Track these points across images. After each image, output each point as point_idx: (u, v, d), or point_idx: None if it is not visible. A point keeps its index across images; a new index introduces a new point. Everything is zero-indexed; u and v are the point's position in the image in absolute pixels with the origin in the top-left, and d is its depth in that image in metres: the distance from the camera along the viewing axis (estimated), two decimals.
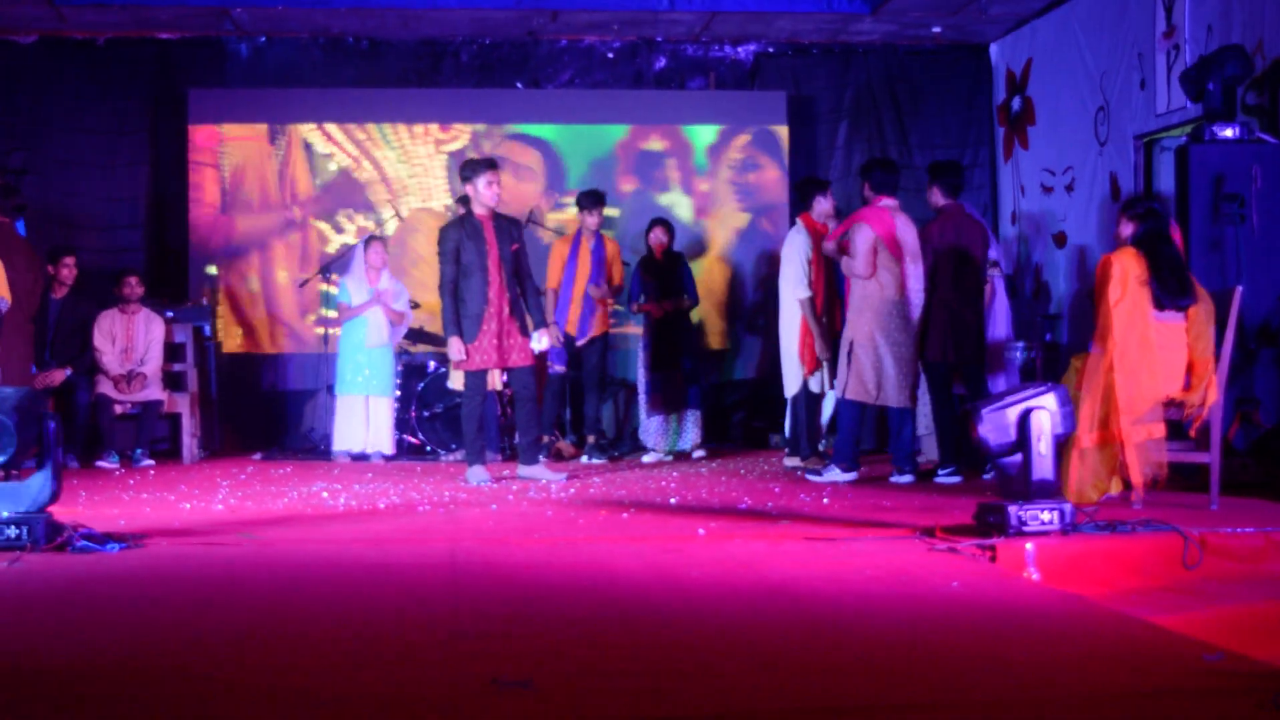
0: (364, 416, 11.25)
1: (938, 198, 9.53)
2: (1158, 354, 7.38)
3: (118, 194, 12.68)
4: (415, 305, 11.81)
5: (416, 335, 11.90)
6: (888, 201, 9.22)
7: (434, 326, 11.93)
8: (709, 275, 13.05)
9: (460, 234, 9.23)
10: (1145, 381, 7.31)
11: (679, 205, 13.19)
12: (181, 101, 12.74)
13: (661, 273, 11.19)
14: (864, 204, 9.37)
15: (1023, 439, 6.25)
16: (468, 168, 9.37)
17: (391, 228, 12.65)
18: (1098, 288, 7.53)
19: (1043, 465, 6.23)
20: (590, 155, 13.15)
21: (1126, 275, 7.41)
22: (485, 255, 9.15)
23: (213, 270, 12.68)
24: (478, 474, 9.19)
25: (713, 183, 13.26)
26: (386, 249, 11.55)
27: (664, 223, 11.36)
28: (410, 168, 12.97)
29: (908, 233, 9.18)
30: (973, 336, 9.39)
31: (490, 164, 9.36)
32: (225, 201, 12.77)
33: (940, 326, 9.29)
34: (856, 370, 9.08)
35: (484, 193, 9.23)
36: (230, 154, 12.80)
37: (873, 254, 9.04)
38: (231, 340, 12.70)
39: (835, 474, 9.04)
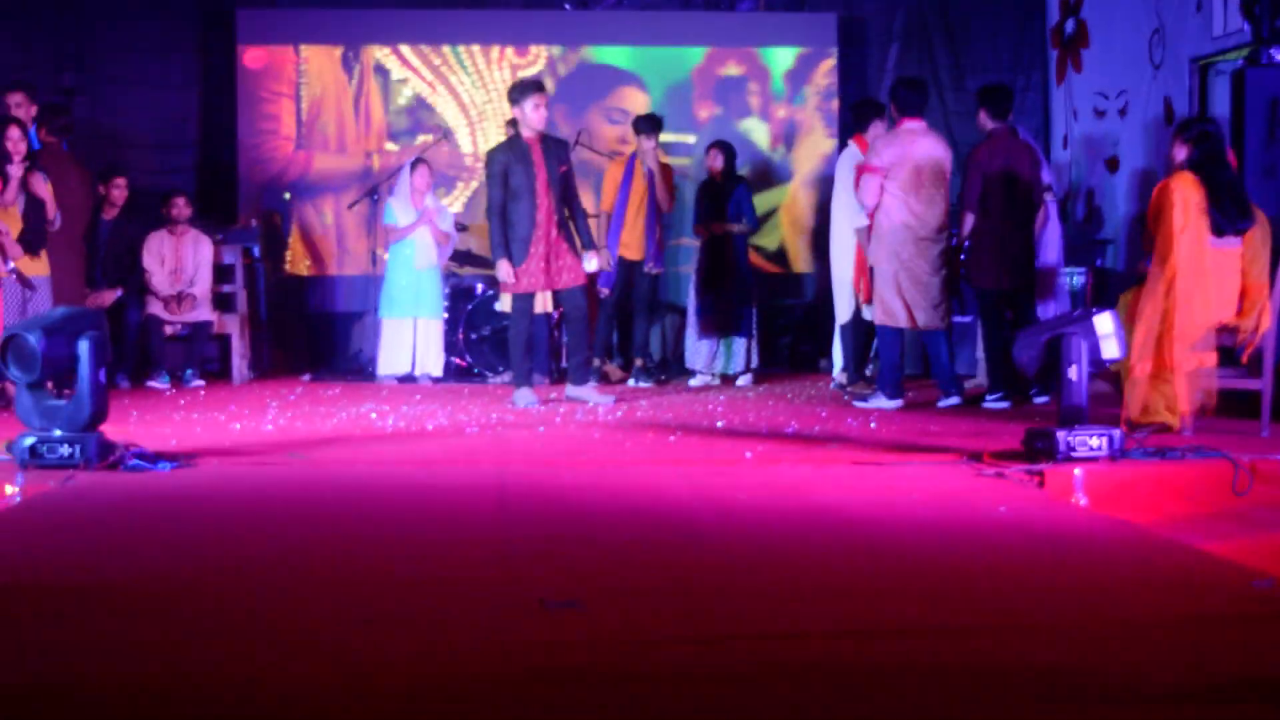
0: (410, 339, 11.28)
1: (985, 121, 9.42)
2: (1212, 281, 7.31)
3: (168, 114, 12.71)
4: (462, 228, 11.83)
5: (464, 258, 11.90)
6: (912, 124, 9.09)
7: (482, 249, 11.93)
8: (793, 202, 13.02)
9: (508, 157, 9.20)
10: (1199, 309, 7.26)
11: (755, 131, 13.15)
12: (230, 20, 12.73)
13: (715, 196, 11.15)
14: (891, 125, 9.32)
15: (1054, 364, 6.23)
16: (515, 90, 9.32)
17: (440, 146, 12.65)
18: (1155, 213, 7.44)
19: (1074, 391, 6.20)
20: (667, 80, 13.11)
21: (1187, 202, 7.31)
22: (533, 178, 9.12)
23: (286, 197, 12.74)
24: (524, 396, 9.21)
25: (791, 109, 13.18)
26: (432, 172, 11.51)
27: (720, 145, 11.29)
28: (486, 93, 12.94)
29: (932, 153, 9.03)
30: (1022, 261, 9.32)
31: (538, 86, 9.29)
32: (300, 133, 12.82)
33: (990, 251, 9.23)
34: (879, 296, 9.06)
35: (531, 115, 9.18)
36: (306, 82, 12.82)
37: (878, 187, 8.99)
38: (296, 264, 12.76)
39: (881, 401, 9.01)
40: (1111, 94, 11.72)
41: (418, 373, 11.24)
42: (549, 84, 9.76)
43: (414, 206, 11.25)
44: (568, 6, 13.16)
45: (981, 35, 13.23)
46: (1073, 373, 6.21)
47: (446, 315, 11.45)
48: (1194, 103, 10.36)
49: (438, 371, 11.27)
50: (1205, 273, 7.31)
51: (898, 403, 8.99)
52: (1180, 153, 7.56)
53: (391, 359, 11.27)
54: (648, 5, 13.21)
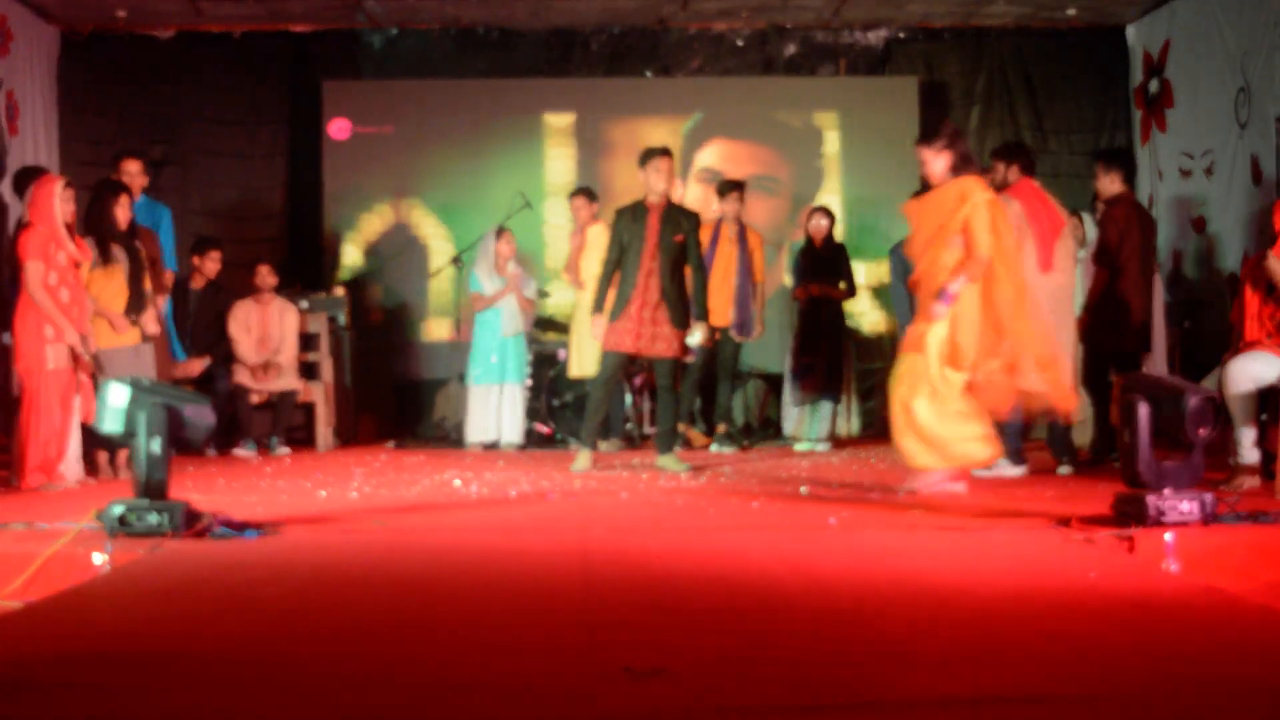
0: (495, 405, 11.31)
1: (1117, 184, 9.28)
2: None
3: (256, 184, 12.93)
4: (544, 294, 11.89)
5: (547, 324, 11.96)
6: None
7: (564, 316, 11.98)
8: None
9: (626, 217, 9.25)
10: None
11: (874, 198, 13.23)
12: (316, 93, 12.92)
13: (818, 260, 11.18)
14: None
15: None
16: (643, 155, 9.37)
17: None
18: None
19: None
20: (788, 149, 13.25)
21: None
22: (643, 241, 9.14)
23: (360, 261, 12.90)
24: (581, 462, 9.22)
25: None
26: (513, 239, 11.57)
27: (824, 210, 11.37)
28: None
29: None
30: (1139, 326, 9.19)
31: (662, 152, 9.33)
32: (385, 201, 13.03)
33: (1115, 313, 9.09)
34: None
35: (651, 179, 9.22)
36: (392, 152, 13.03)
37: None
38: (381, 332, 12.90)
39: (1004, 469, 8.86)
40: (1197, 154, 11.62)
41: (501, 440, 11.26)
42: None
43: (499, 274, 11.30)
44: (648, 74, 13.24)
45: (1064, 96, 13.19)
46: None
47: (530, 382, 11.49)
48: None
49: (518, 437, 11.29)
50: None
51: (1020, 470, 8.84)
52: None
53: (479, 426, 11.31)
54: (727, 71, 13.27)
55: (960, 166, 7.61)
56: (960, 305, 7.43)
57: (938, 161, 7.64)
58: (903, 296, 10.73)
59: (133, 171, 10.27)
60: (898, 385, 7.54)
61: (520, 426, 11.36)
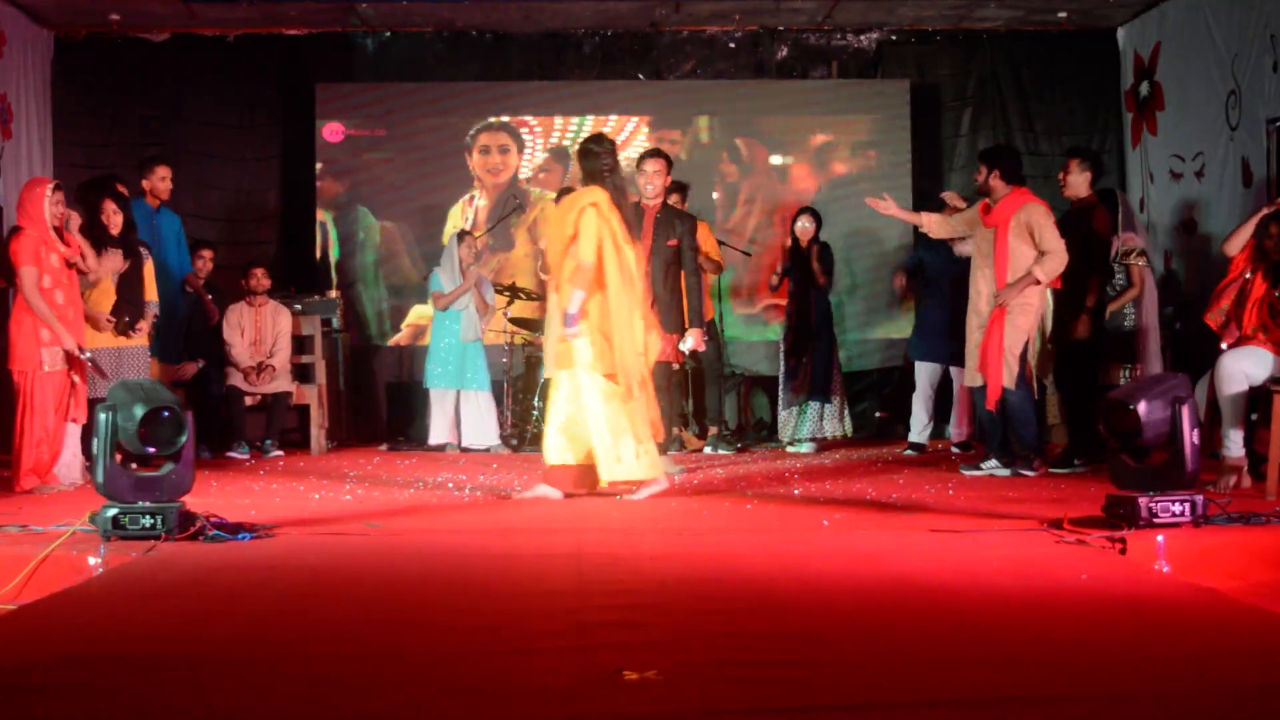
0: (453, 410, 11.33)
1: (1086, 186, 9.31)
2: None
3: (249, 186, 12.94)
4: (501, 289, 11.84)
5: (537, 326, 11.95)
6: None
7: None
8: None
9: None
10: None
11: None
12: (309, 95, 12.92)
13: (803, 261, 11.15)
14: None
15: (1176, 429, 6.14)
16: (639, 158, 9.35)
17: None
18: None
19: (1195, 455, 6.14)
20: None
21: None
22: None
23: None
24: None
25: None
26: (475, 243, 11.56)
27: (810, 212, 11.32)
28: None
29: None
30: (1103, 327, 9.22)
31: (652, 154, 9.30)
32: (378, 205, 13.06)
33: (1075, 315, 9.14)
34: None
35: (639, 182, 9.20)
36: (384, 154, 13.08)
37: None
38: (373, 335, 12.92)
39: (994, 468, 8.88)
40: (1188, 156, 11.65)
41: (477, 445, 11.26)
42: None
43: (460, 276, 11.28)
44: (641, 77, 13.25)
45: (1055, 99, 13.22)
46: (1195, 437, 6.15)
47: (506, 385, 11.49)
48: (1272, 163, 10.29)
49: (493, 440, 11.30)
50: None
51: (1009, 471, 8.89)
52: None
53: (437, 429, 11.34)
54: (719, 74, 13.28)
55: (586, 178, 7.84)
56: (606, 308, 7.68)
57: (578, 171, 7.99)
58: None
59: (164, 176, 10.38)
60: (554, 394, 7.84)
61: (494, 431, 11.36)
